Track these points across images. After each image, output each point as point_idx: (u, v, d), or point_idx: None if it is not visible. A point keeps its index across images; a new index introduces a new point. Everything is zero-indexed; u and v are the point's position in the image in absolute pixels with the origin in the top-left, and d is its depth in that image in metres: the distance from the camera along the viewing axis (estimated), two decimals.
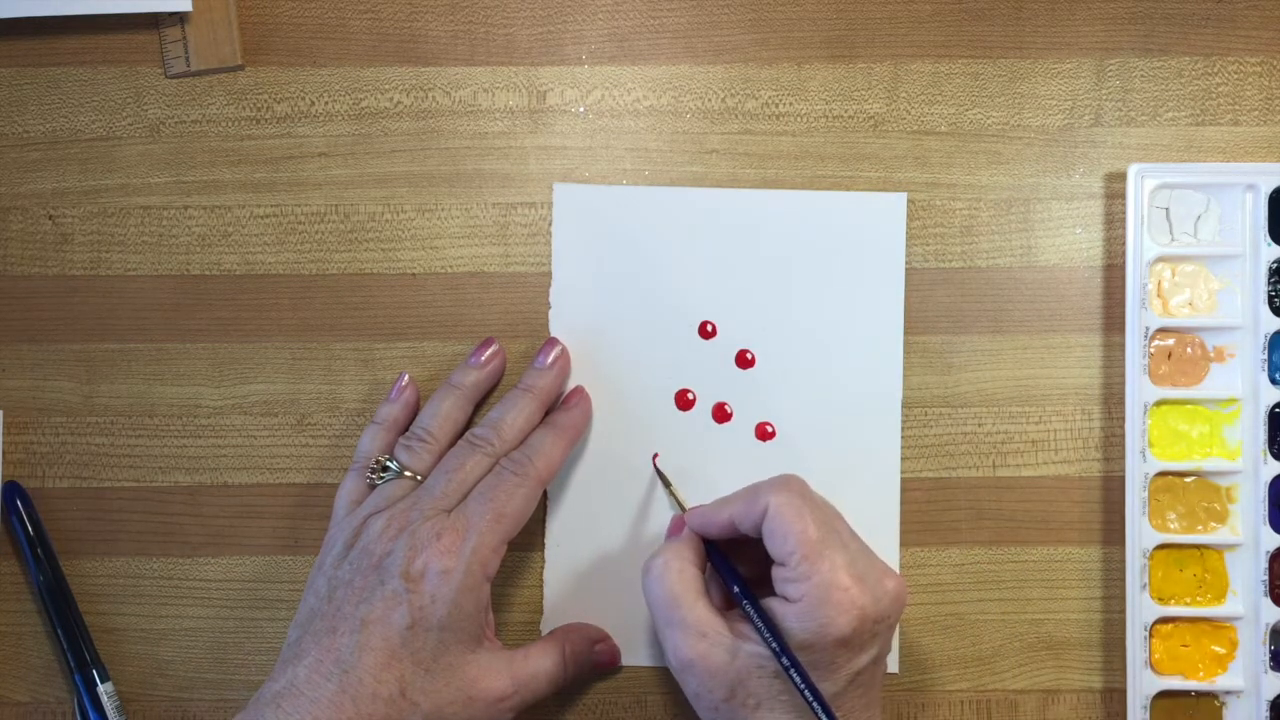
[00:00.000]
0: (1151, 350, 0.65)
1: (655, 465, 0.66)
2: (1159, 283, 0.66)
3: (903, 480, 0.66)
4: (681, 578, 0.60)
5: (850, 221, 0.66)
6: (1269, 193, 0.65)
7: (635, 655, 0.66)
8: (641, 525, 0.66)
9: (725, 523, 0.60)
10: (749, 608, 0.58)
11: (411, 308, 0.67)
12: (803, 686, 0.56)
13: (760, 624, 0.58)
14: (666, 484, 0.66)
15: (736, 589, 0.60)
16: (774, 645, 0.57)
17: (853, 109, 0.67)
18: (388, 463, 0.63)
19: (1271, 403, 0.65)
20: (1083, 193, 0.66)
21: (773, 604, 0.59)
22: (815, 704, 0.56)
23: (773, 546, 0.59)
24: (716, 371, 0.66)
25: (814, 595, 0.57)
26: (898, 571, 0.65)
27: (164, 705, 0.66)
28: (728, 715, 0.58)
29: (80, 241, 0.67)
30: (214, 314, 0.67)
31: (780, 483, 0.60)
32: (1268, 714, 0.64)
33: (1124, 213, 0.65)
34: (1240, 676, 0.65)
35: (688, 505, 0.65)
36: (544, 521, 0.66)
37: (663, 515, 0.66)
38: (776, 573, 0.59)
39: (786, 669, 0.57)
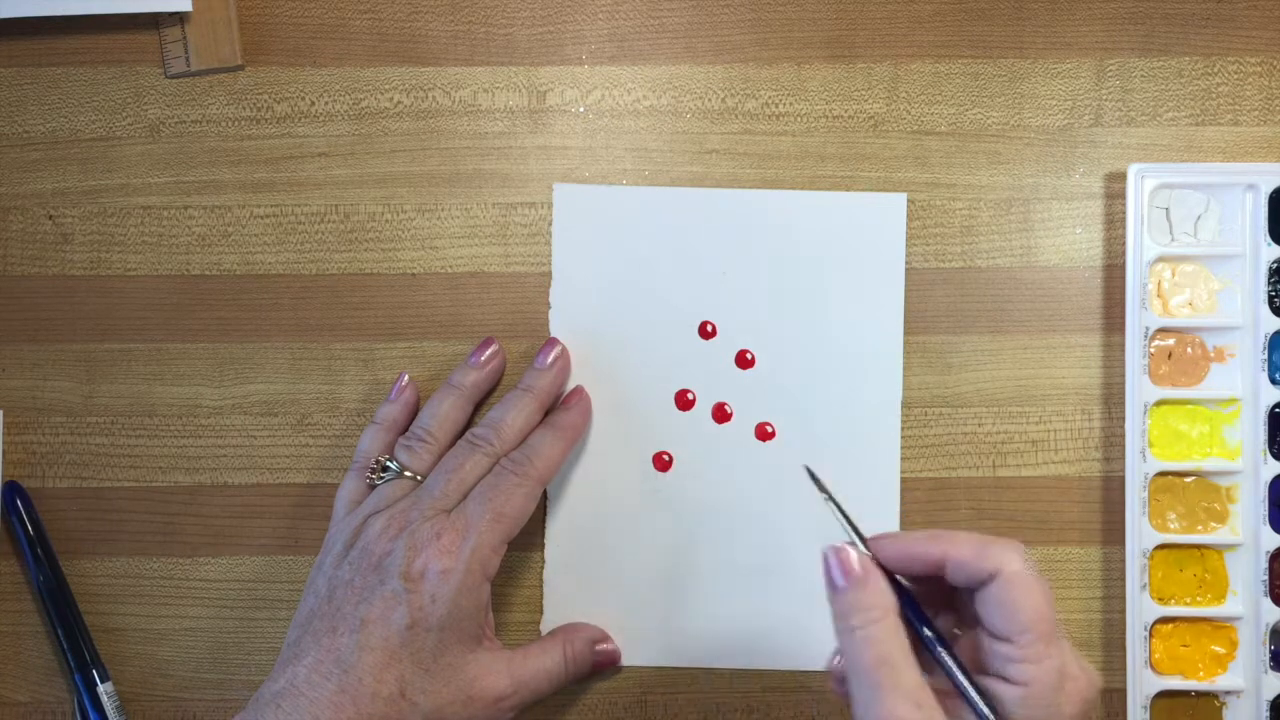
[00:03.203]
0: (1151, 350, 0.65)
1: (815, 476, 0.57)
2: (1159, 283, 0.66)
3: (903, 480, 0.66)
4: (894, 636, 0.52)
5: (850, 222, 0.66)
6: (1269, 193, 0.65)
7: (635, 655, 0.66)
8: (641, 525, 0.66)
9: (933, 563, 0.53)
10: (969, 689, 0.51)
11: (411, 308, 0.67)
12: None
13: (986, 711, 0.51)
14: (837, 506, 0.55)
15: (955, 668, 0.52)
16: None
17: (853, 109, 0.67)
18: (387, 463, 0.63)
19: (1271, 403, 0.65)
20: (1083, 193, 0.66)
21: (989, 684, 0.52)
22: None
23: (999, 618, 0.51)
24: (716, 371, 0.66)
25: (1046, 681, 0.51)
26: None
27: (164, 705, 0.66)
28: None
29: (80, 241, 0.67)
30: (214, 314, 0.67)
31: (1013, 547, 0.52)
32: (1268, 714, 0.64)
33: (1124, 213, 0.65)
34: (1240, 676, 0.65)
35: (859, 536, 0.55)
36: (544, 521, 0.66)
37: (664, 515, 0.66)
38: (997, 648, 0.52)
39: None
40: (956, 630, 0.55)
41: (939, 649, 0.53)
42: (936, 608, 0.55)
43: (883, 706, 0.51)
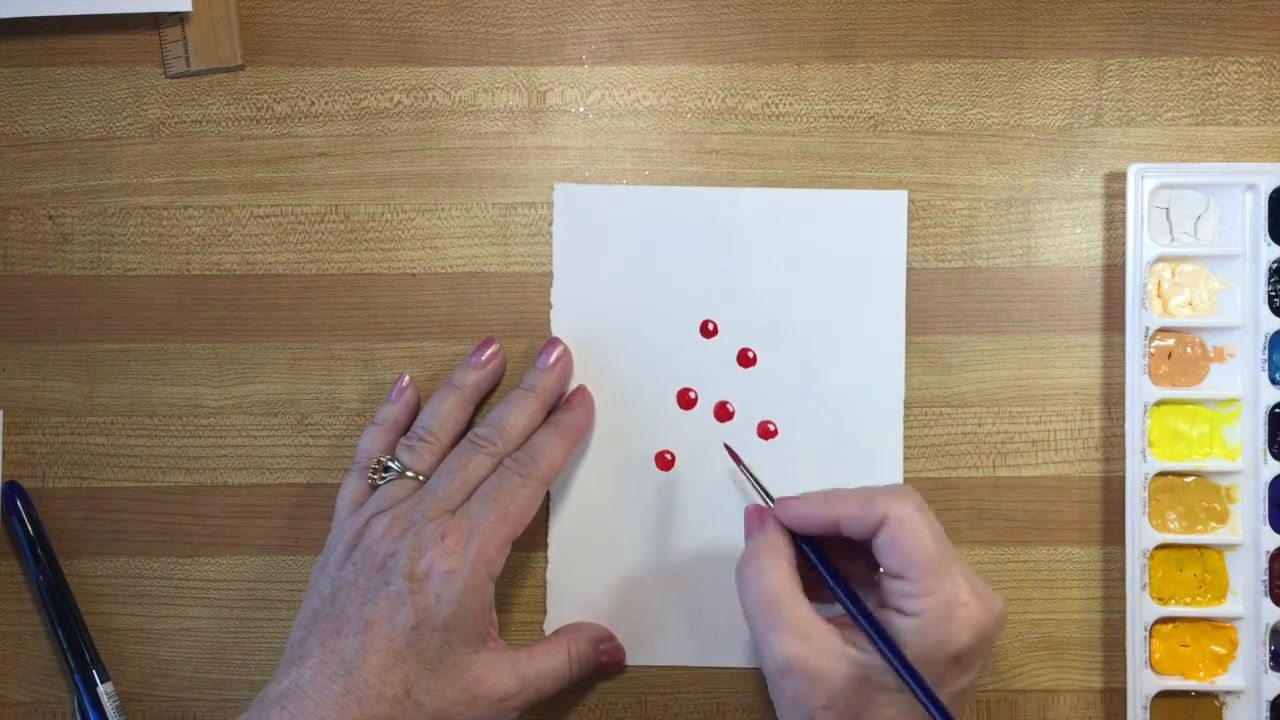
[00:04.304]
0: (1151, 350, 0.65)
1: (730, 450, 0.64)
2: (1159, 283, 0.66)
3: (903, 480, 0.66)
4: (778, 575, 0.58)
5: (851, 220, 0.66)
6: (1269, 193, 0.65)
7: (638, 655, 0.66)
8: (645, 524, 0.66)
9: (828, 522, 0.58)
10: (865, 623, 0.57)
11: (411, 308, 0.67)
12: (929, 704, 0.54)
13: (879, 640, 0.56)
14: (748, 472, 0.63)
15: (845, 598, 0.58)
16: (895, 662, 0.55)
17: (853, 109, 0.67)
18: (389, 463, 0.63)
19: (1271, 403, 0.65)
20: (1083, 193, 0.66)
21: (888, 617, 0.57)
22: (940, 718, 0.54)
23: (890, 559, 0.57)
24: (718, 370, 0.66)
25: (937, 611, 0.56)
26: None
27: (164, 705, 0.66)
28: None
29: (80, 241, 0.67)
30: (214, 314, 0.67)
31: (900, 493, 0.57)
32: (1268, 714, 0.64)
33: (1124, 213, 0.65)
34: (1240, 676, 0.65)
35: (766, 496, 0.62)
36: (547, 521, 0.66)
37: (665, 515, 0.66)
38: (892, 585, 0.57)
39: (910, 685, 0.55)
40: (876, 574, 0.59)
41: (835, 587, 0.58)
42: (855, 556, 0.59)
43: (772, 642, 0.57)
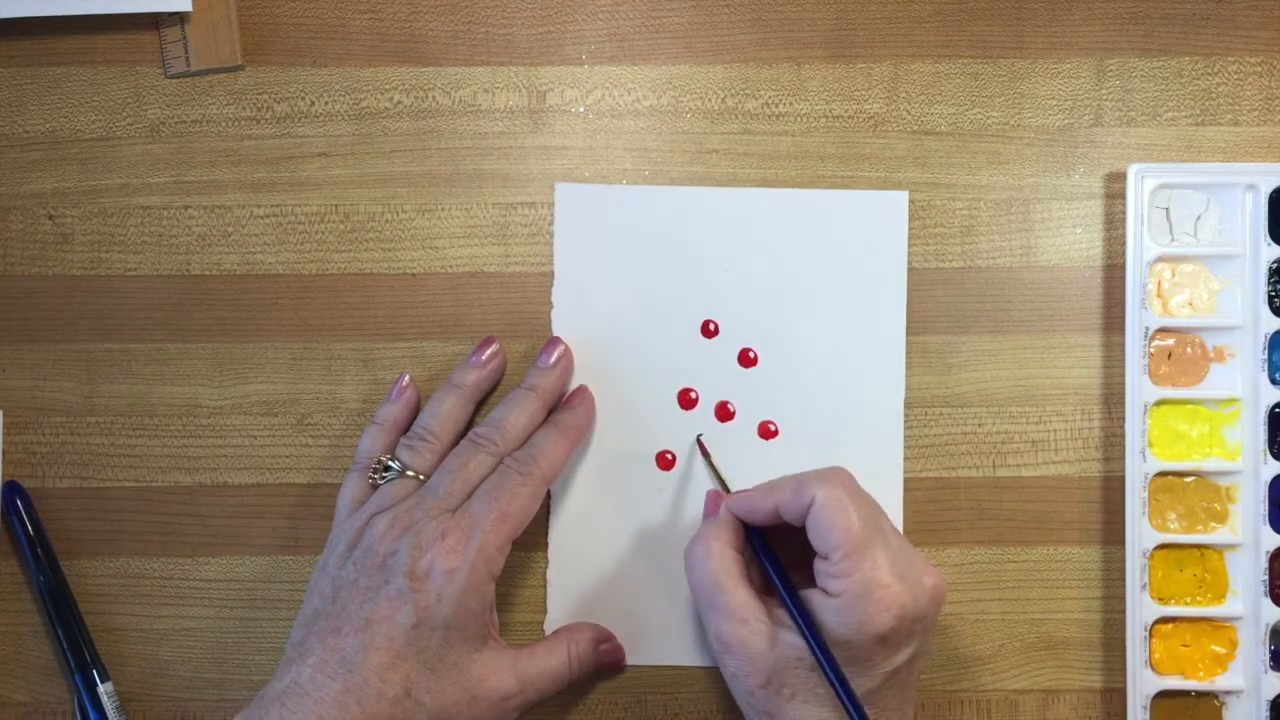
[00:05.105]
0: (1151, 350, 0.65)
1: (699, 442, 0.66)
2: (1159, 283, 0.66)
3: (903, 480, 0.66)
4: (723, 561, 0.60)
5: (852, 220, 0.66)
6: (1269, 193, 0.65)
7: (637, 655, 0.66)
8: (645, 524, 0.66)
9: (770, 511, 0.60)
10: (788, 601, 0.58)
11: (411, 308, 0.67)
12: (835, 682, 0.56)
13: (798, 619, 0.58)
14: (709, 461, 0.66)
15: (777, 582, 0.60)
16: (810, 640, 0.57)
17: (853, 109, 0.67)
18: (390, 463, 0.63)
19: (1271, 403, 0.65)
20: (1083, 193, 0.66)
21: (813, 597, 0.58)
22: (846, 701, 0.56)
23: (816, 540, 0.58)
24: (719, 370, 0.66)
25: (855, 592, 0.57)
26: None
27: (164, 705, 0.66)
28: (763, 700, 0.58)
29: (80, 241, 0.67)
30: (214, 314, 0.67)
31: (827, 475, 0.59)
32: (1268, 714, 0.64)
33: (1124, 213, 0.65)
34: (1240, 676, 0.65)
35: (732, 487, 0.65)
36: (547, 521, 0.66)
37: (665, 515, 0.66)
38: (819, 566, 0.59)
39: (821, 664, 0.57)
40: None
41: (770, 570, 0.60)
42: (807, 544, 0.60)
43: (713, 622, 0.59)
